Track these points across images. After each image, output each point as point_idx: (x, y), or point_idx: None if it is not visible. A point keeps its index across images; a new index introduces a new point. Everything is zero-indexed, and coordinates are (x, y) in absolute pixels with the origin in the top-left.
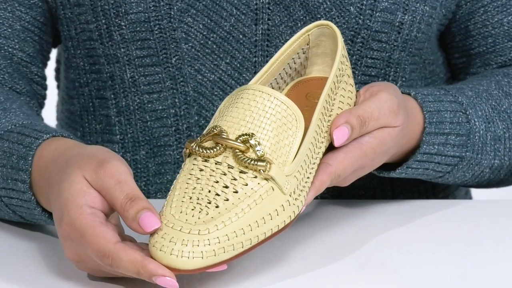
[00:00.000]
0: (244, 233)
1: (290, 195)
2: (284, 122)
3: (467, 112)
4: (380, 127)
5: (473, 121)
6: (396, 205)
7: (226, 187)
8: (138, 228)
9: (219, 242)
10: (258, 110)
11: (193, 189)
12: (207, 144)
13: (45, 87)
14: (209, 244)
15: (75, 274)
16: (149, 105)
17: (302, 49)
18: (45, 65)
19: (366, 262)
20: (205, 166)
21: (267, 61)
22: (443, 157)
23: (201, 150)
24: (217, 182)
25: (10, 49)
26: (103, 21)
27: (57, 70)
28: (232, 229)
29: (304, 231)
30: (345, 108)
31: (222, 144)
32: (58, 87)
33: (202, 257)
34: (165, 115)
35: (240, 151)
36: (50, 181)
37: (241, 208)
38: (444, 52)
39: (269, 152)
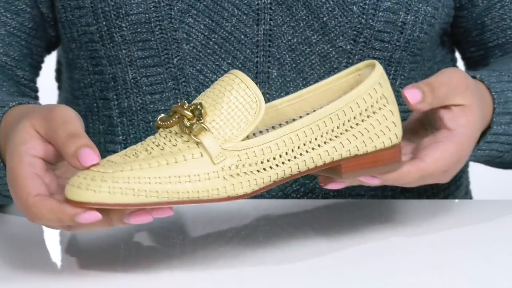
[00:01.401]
0: (158, 183)
1: (223, 169)
2: (242, 103)
3: None
4: (452, 94)
5: None
6: (396, 205)
7: (158, 145)
8: (77, 164)
9: (128, 182)
10: (221, 88)
11: (132, 149)
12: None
13: (34, 89)
14: (117, 182)
15: (76, 275)
16: (152, 106)
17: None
18: (34, 68)
19: (366, 262)
20: (159, 135)
21: (269, 61)
22: (507, 137)
23: (159, 122)
24: (153, 142)
25: None
26: (104, 23)
27: (58, 71)
28: (146, 174)
29: (304, 231)
30: (354, 147)
31: (176, 113)
32: (60, 87)
33: (109, 192)
34: None
35: (188, 119)
36: (6, 139)
37: (157, 160)
38: (458, 47)
39: (218, 126)
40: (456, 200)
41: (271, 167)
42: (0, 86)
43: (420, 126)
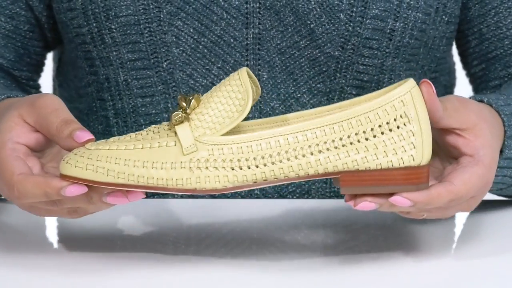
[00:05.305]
0: (127, 165)
1: (191, 160)
2: (232, 98)
3: None
4: (456, 114)
5: None
6: None
7: (147, 132)
8: (73, 143)
9: (100, 161)
10: (223, 82)
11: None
12: None
13: (35, 87)
14: (91, 159)
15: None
16: (143, 109)
17: None
18: (34, 66)
19: (366, 262)
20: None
21: (259, 64)
22: None
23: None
24: (147, 129)
25: None
26: (94, 24)
27: (58, 68)
28: (118, 154)
29: (304, 231)
30: (354, 161)
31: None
32: (60, 85)
33: (83, 168)
34: (158, 120)
35: (182, 108)
36: None
37: (134, 144)
38: (462, 62)
39: (202, 119)
40: None
41: (249, 167)
42: None
43: (434, 156)
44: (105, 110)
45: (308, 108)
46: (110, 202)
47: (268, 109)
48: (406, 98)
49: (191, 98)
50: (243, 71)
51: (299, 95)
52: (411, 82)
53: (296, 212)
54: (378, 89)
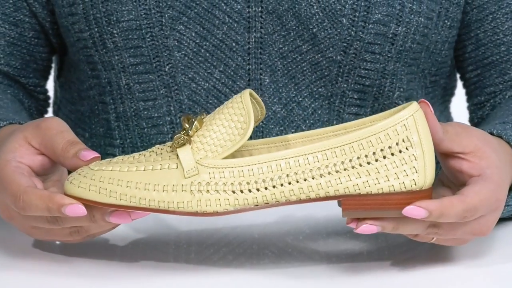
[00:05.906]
0: (129, 187)
1: (192, 183)
2: (235, 121)
3: None
4: (458, 137)
5: None
6: None
7: (151, 152)
8: (78, 161)
9: (103, 182)
10: (226, 103)
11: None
12: None
13: (43, 92)
14: (93, 180)
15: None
16: (145, 112)
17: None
18: (40, 71)
19: (365, 262)
20: (163, 144)
21: (261, 68)
22: None
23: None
24: (149, 150)
25: None
26: (96, 29)
27: (60, 69)
28: (120, 176)
29: (304, 231)
30: (355, 185)
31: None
32: (61, 87)
33: (85, 189)
34: (161, 123)
35: (184, 130)
36: None
37: (136, 165)
38: (457, 66)
39: (204, 141)
40: None
41: (250, 190)
42: (4, 92)
43: (442, 186)
44: (107, 113)
45: (309, 112)
46: (113, 221)
47: (269, 113)
48: (409, 122)
49: (194, 120)
50: (246, 94)
51: (300, 99)
52: (414, 105)
53: (296, 210)
54: (379, 93)
